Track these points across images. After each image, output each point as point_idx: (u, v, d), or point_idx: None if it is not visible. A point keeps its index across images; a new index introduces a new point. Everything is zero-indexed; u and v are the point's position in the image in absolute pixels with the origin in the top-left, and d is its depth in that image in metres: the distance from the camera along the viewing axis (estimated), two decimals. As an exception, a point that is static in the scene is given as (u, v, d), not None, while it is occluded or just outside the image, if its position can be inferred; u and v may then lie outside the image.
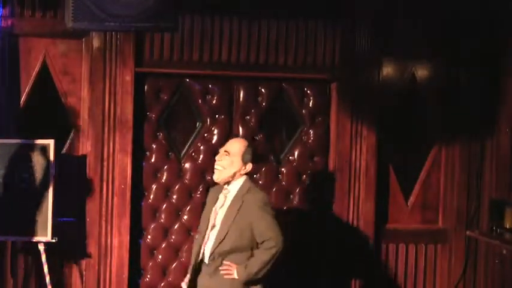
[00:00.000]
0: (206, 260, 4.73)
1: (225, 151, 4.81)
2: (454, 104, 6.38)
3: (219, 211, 4.82)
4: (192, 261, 4.85)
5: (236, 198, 4.78)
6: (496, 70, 6.44)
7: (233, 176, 4.80)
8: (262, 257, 4.68)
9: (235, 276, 4.68)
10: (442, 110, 6.41)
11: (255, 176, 6.31)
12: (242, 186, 4.80)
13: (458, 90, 6.37)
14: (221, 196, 4.83)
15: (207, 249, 4.76)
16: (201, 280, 4.79)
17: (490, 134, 6.51)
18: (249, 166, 4.80)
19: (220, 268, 4.68)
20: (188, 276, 4.87)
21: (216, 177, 4.81)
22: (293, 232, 6.16)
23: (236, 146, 4.83)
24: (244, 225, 4.71)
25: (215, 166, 4.84)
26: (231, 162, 4.78)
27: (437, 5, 6.23)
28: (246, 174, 4.85)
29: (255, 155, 4.90)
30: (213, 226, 4.79)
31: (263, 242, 4.70)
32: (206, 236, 4.79)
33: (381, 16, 6.21)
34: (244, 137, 6.24)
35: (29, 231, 5.67)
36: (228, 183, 4.82)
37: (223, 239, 4.72)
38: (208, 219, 4.84)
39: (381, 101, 6.32)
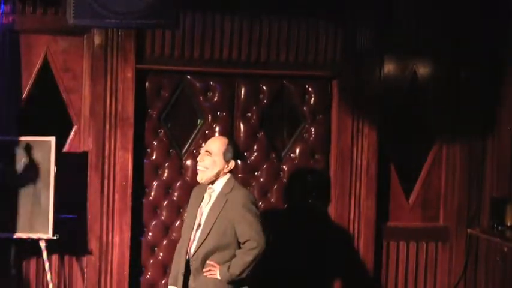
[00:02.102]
0: (191, 260, 4.73)
1: (206, 151, 4.79)
2: (456, 102, 6.39)
3: (204, 210, 4.82)
4: (181, 264, 4.83)
5: (220, 197, 4.78)
6: (499, 68, 6.42)
7: (217, 176, 4.78)
8: (244, 257, 4.68)
9: (218, 276, 4.68)
10: (443, 108, 6.42)
11: (256, 173, 6.36)
12: (226, 184, 4.80)
13: (460, 88, 6.38)
14: (206, 195, 4.83)
15: (193, 248, 4.77)
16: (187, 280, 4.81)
17: (491, 132, 6.52)
18: (232, 164, 4.78)
19: (204, 270, 4.67)
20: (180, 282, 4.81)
21: (200, 178, 4.79)
22: (294, 230, 6.33)
23: (217, 145, 4.82)
24: (227, 223, 4.70)
25: (198, 167, 4.82)
26: (213, 162, 4.76)
27: (439, 3, 6.20)
28: (229, 172, 4.83)
29: (237, 152, 4.90)
30: (199, 225, 4.80)
31: (245, 242, 4.68)
32: (192, 236, 4.80)
33: (382, 13, 6.21)
34: (246, 134, 6.33)
35: (30, 228, 5.68)
36: (212, 182, 4.81)
37: (206, 237, 4.72)
38: (194, 219, 4.84)
39: (382, 99, 6.32)
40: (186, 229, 4.84)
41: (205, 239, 4.71)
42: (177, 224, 6.26)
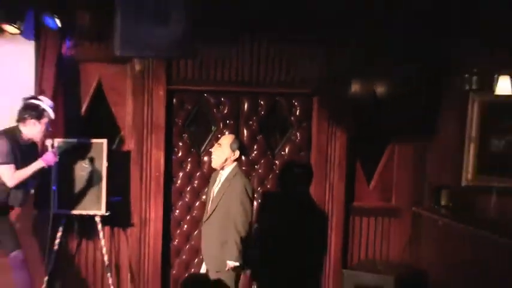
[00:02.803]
0: (205, 225, 5.38)
1: (218, 143, 5.35)
2: (405, 112, 6.57)
3: (215, 190, 5.37)
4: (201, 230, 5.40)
5: (225, 181, 5.28)
6: (437, 86, 6.71)
7: (225, 161, 5.27)
8: (232, 240, 5.16)
9: (232, 263, 5.12)
10: (395, 116, 6.61)
11: (255, 166, 6.76)
12: (231, 171, 5.28)
13: (408, 102, 6.52)
14: (218, 179, 5.37)
15: (206, 217, 5.35)
16: (204, 230, 5.41)
17: (431, 134, 6.91)
18: (237, 153, 5.27)
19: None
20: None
21: (213, 164, 5.37)
22: (284, 209, 6.78)
23: (226, 139, 5.37)
24: (229, 202, 5.21)
25: (212, 156, 5.34)
26: (222, 151, 5.29)
27: (395, 45, 6.39)
28: (236, 160, 5.27)
29: (241, 145, 5.34)
30: (212, 201, 5.35)
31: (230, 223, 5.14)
32: (208, 208, 5.38)
33: (351, 47, 6.50)
34: (248, 137, 6.77)
35: (89, 207, 6.22)
36: (222, 168, 5.30)
37: (215, 209, 5.27)
38: (209, 196, 5.39)
39: (351, 110, 6.66)
40: (206, 204, 5.43)
41: (214, 210, 5.30)
42: (197, 204, 6.77)
